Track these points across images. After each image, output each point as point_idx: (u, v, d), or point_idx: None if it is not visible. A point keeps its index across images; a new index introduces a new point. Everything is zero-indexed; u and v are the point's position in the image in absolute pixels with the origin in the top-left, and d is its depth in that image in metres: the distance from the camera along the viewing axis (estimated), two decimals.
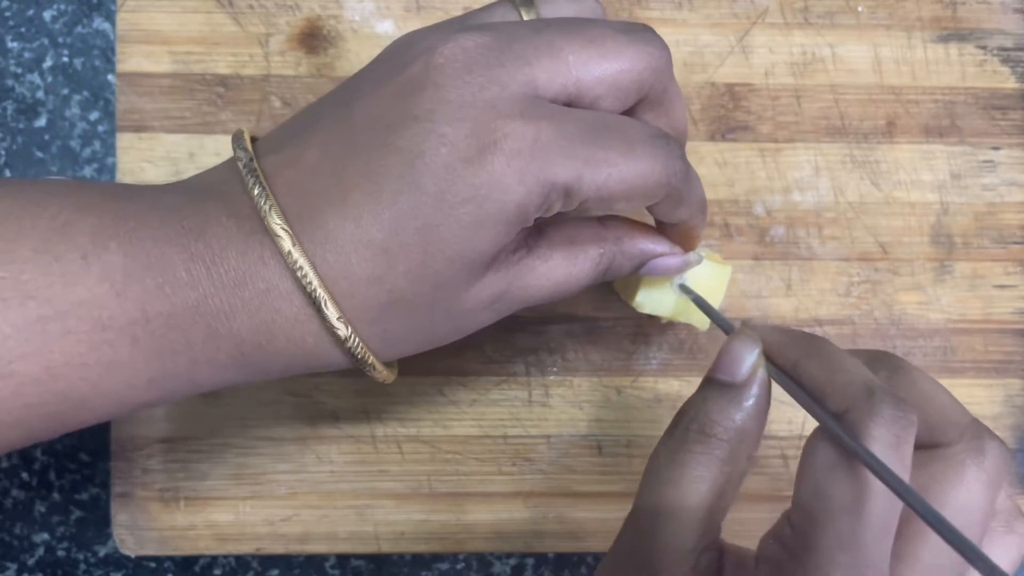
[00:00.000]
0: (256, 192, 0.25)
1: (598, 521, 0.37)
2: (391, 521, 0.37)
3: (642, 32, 0.28)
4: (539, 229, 0.28)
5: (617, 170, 0.26)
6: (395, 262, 0.25)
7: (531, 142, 0.25)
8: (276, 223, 0.25)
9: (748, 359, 0.26)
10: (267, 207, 0.25)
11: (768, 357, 0.26)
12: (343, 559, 0.38)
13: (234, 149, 0.27)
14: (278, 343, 0.26)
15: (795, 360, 0.25)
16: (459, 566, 0.38)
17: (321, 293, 0.25)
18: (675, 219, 0.29)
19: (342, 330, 0.26)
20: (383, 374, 0.28)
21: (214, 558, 0.39)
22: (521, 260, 0.27)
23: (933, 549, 0.24)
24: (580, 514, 0.37)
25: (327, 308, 0.25)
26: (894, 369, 0.26)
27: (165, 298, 0.25)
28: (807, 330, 0.37)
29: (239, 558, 0.39)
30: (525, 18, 0.28)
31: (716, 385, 0.26)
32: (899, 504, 0.23)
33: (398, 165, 0.25)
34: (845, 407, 0.24)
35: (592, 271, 0.29)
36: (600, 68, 0.26)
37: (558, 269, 0.28)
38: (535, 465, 0.37)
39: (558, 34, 0.26)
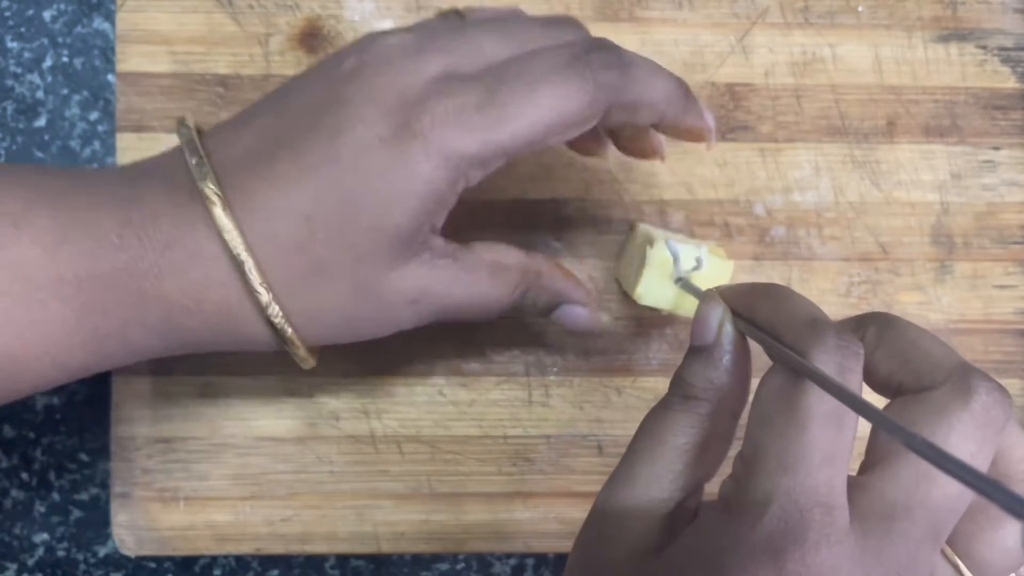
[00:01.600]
0: (194, 162, 0.27)
1: None
2: (391, 521, 0.37)
3: (559, 21, 0.30)
4: (469, 246, 0.30)
5: (524, 119, 0.27)
6: (316, 229, 0.27)
7: (438, 119, 0.27)
8: (209, 187, 0.26)
9: (714, 319, 0.27)
10: (202, 173, 0.27)
11: (735, 313, 0.27)
12: (343, 559, 0.38)
13: (178, 128, 0.28)
14: (205, 307, 0.27)
15: (750, 306, 0.27)
16: (459, 566, 0.38)
17: (245, 256, 0.26)
18: (647, 122, 0.30)
19: (263, 295, 0.27)
20: (303, 353, 0.29)
21: (214, 558, 0.39)
22: (447, 265, 0.29)
23: (891, 480, 0.23)
24: (580, 514, 0.37)
25: (251, 272, 0.27)
26: (883, 324, 0.26)
27: (95, 259, 0.26)
28: None
29: (239, 558, 0.39)
30: None
31: (691, 351, 0.27)
32: (848, 430, 0.23)
33: (320, 141, 0.27)
34: (790, 340, 0.24)
35: (510, 294, 0.30)
36: (515, 52, 0.28)
37: (480, 284, 0.30)
38: (535, 465, 0.37)
39: (477, 29, 0.29)
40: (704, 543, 0.24)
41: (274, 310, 0.27)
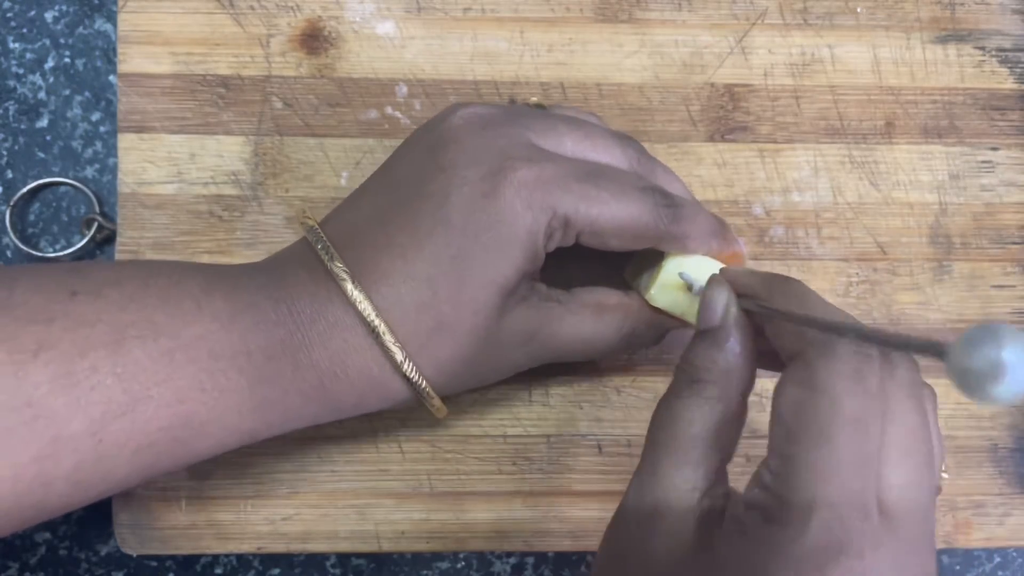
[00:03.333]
0: (319, 247, 0.30)
1: (598, 520, 0.37)
2: (392, 520, 0.37)
3: (627, 138, 0.33)
4: (572, 291, 0.33)
5: (608, 208, 0.30)
6: (437, 289, 0.29)
7: (535, 178, 0.29)
8: (338, 266, 0.30)
9: (720, 302, 0.29)
10: (330, 255, 0.30)
11: (742, 295, 0.29)
12: (344, 558, 0.38)
13: (300, 221, 0.32)
14: (350, 372, 0.30)
15: (766, 299, 0.28)
16: (459, 565, 0.39)
17: (378, 322, 0.29)
18: (691, 251, 0.33)
19: (398, 354, 0.30)
20: (438, 403, 0.31)
21: (215, 557, 0.39)
22: (552, 308, 0.32)
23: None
24: (580, 513, 0.37)
25: (384, 335, 0.29)
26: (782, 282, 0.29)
27: (260, 333, 0.29)
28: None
29: (240, 557, 0.39)
30: None
31: (698, 335, 0.29)
32: (873, 433, 0.24)
33: (430, 207, 0.30)
34: (801, 345, 0.26)
35: (616, 333, 0.33)
36: (593, 156, 0.32)
37: (585, 325, 0.32)
38: (535, 464, 0.37)
39: (560, 121, 0.32)
40: (748, 553, 0.25)
41: (409, 367, 0.30)
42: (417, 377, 0.30)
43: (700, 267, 0.32)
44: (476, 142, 0.30)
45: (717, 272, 0.32)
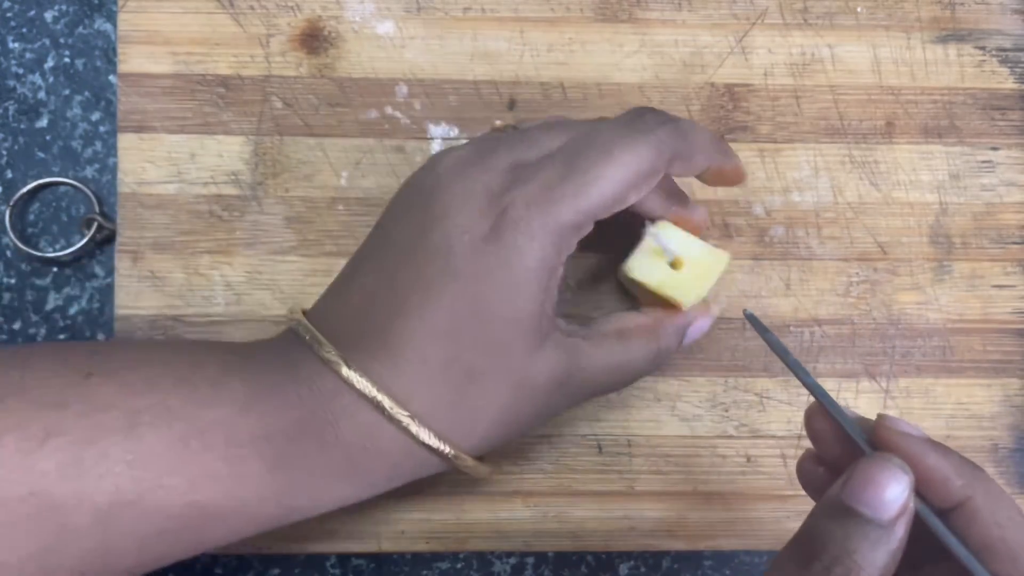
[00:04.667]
0: (307, 338, 0.29)
1: (598, 520, 0.37)
2: (392, 520, 0.37)
3: (604, 119, 0.32)
4: (590, 323, 0.32)
5: (607, 179, 0.29)
6: (460, 339, 0.28)
7: (525, 205, 0.28)
8: (327, 355, 0.29)
9: (899, 496, 0.23)
10: (319, 345, 0.29)
11: (918, 491, 0.23)
12: (344, 558, 0.38)
13: (287, 317, 0.31)
14: (381, 443, 0.29)
15: (961, 500, 0.24)
16: (459, 565, 0.38)
17: (381, 397, 0.28)
18: (697, 172, 0.31)
19: (412, 424, 0.28)
20: (470, 463, 0.30)
21: (215, 557, 0.39)
22: (576, 343, 0.30)
23: None
24: (580, 513, 0.37)
25: (392, 410, 0.28)
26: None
27: (281, 415, 0.28)
28: (804, 346, 0.37)
29: (240, 557, 0.39)
30: None
31: (859, 521, 0.23)
32: None
33: (436, 262, 0.29)
34: (1016, 574, 0.22)
35: (646, 355, 0.32)
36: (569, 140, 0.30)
37: (614, 354, 0.31)
38: (535, 464, 0.37)
39: (531, 129, 0.31)
40: None
41: (425, 434, 0.29)
42: (439, 443, 0.29)
43: (678, 238, 0.33)
44: (463, 185, 0.29)
45: (722, 258, 0.32)
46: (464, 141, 0.36)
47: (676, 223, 0.33)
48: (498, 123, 0.34)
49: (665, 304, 0.33)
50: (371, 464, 0.29)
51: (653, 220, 0.33)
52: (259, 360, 0.30)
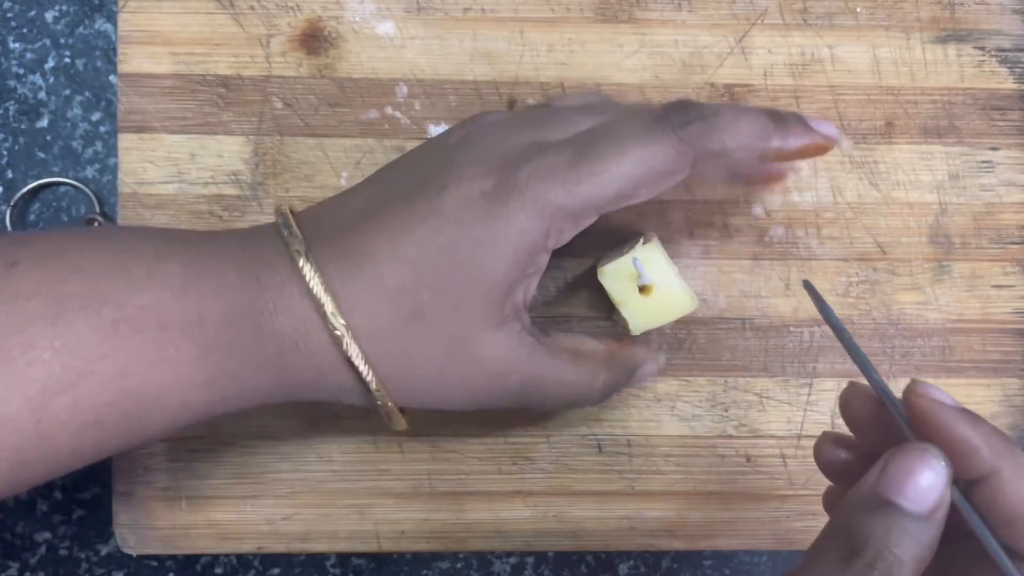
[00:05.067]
0: (280, 221, 0.29)
1: (597, 520, 0.37)
2: (392, 520, 0.37)
3: (643, 104, 0.32)
4: (547, 333, 0.32)
5: (613, 174, 0.29)
6: (421, 275, 0.29)
7: (530, 176, 0.29)
8: (295, 238, 0.29)
9: (938, 486, 0.23)
10: (288, 231, 0.29)
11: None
12: (344, 558, 0.38)
13: (276, 207, 0.31)
14: (311, 345, 0.29)
15: (987, 472, 0.23)
16: (459, 565, 0.39)
17: (325, 299, 0.28)
18: (748, 161, 0.30)
19: (345, 336, 0.28)
20: (390, 404, 0.30)
21: (215, 557, 0.39)
22: (534, 344, 0.31)
23: None
24: (580, 513, 0.37)
25: (332, 316, 0.28)
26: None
27: (218, 300, 0.28)
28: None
29: (240, 557, 0.39)
30: None
31: (899, 514, 0.23)
32: None
33: (427, 195, 0.29)
34: None
35: (593, 383, 0.32)
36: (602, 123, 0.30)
37: (565, 370, 0.31)
38: (535, 464, 0.37)
39: (568, 108, 0.32)
40: None
41: (354, 351, 0.29)
42: (364, 367, 0.29)
43: (659, 267, 0.33)
44: (484, 146, 0.30)
45: (685, 303, 0.33)
46: None
47: (775, 153, 0.31)
48: (531, 102, 0.34)
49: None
50: (299, 364, 0.29)
51: (645, 239, 0.33)
52: (202, 244, 0.29)
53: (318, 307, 0.28)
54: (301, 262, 0.28)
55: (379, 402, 0.30)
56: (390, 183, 0.31)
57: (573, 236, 0.30)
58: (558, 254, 0.37)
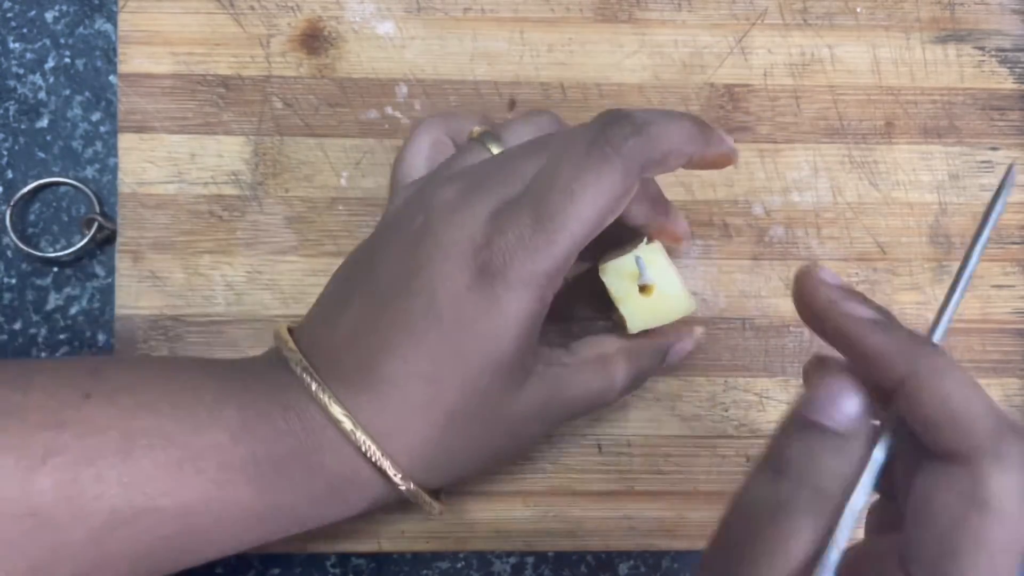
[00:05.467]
0: (305, 377, 0.30)
1: (598, 520, 0.37)
2: (392, 519, 0.37)
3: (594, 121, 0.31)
4: (570, 347, 0.33)
5: (575, 220, 0.29)
6: (441, 382, 0.29)
7: (504, 257, 0.29)
8: (321, 397, 0.29)
9: (854, 405, 0.24)
10: (313, 381, 0.30)
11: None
12: (344, 558, 0.38)
13: (278, 345, 0.31)
14: (362, 475, 0.30)
15: (901, 377, 0.23)
16: (459, 565, 0.39)
17: (362, 439, 0.29)
18: (678, 167, 0.30)
19: (389, 468, 0.30)
20: (436, 509, 0.32)
21: None
22: (559, 372, 0.31)
23: None
24: (580, 513, 0.37)
25: (370, 452, 0.29)
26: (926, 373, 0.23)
27: (270, 443, 0.29)
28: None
29: (240, 557, 0.39)
30: (494, 151, 0.33)
31: (821, 433, 0.24)
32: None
33: (420, 307, 0.29)
34: (969, 449, 0.22)
35: (625, 380, 0.33)
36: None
37: (595, 380, 0.32)
38: (535, 464, 0.37)
39: (514, 154, 0.31)
40: None
41: (399, 477, 0.30)
42: (416, 490, 0.30)
43: (660, 268, 0.33)
44: (449, 233, 0.29)
45: (684, 306, 0.33)
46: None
47: (657, 233, 0.33)
48: (476, 130, 0.34)
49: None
50: (353, 492, 0.30)
51: (649, 238, 0.33)
52: (252, 386, 0.30)
53: (358, 448, 0.29)
54: (332, 409, 0.29)
55: (434, 512, 0.32)
56: (376, 289, 0.30)
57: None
58: None
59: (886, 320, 0.24)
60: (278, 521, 0.30)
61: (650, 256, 0.33)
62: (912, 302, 0.38)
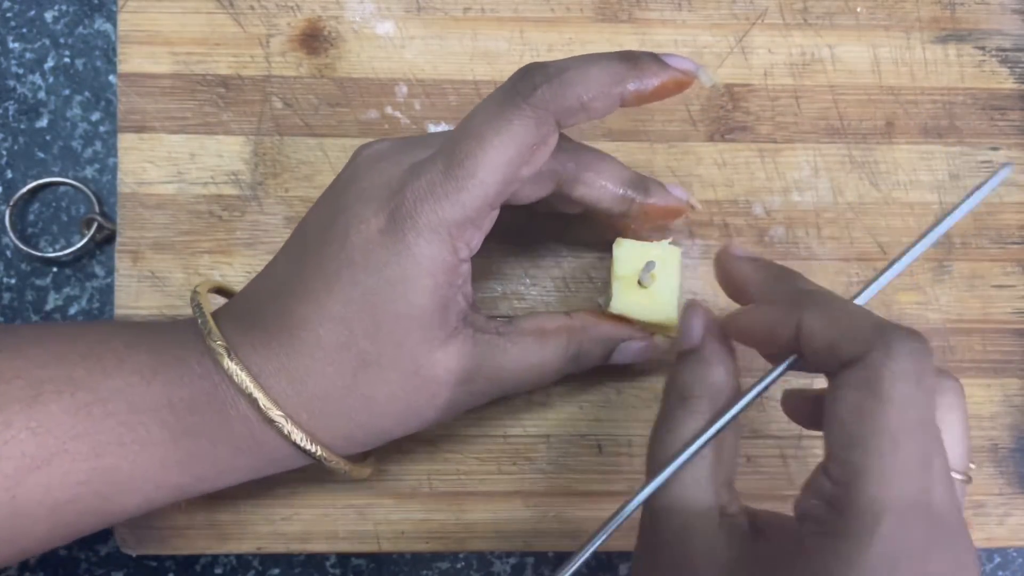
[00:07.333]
0: (200, 322, 0.30)
1: (598, 520, 0.37)
2: (391, 520, 0.37)
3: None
4: (511, 320, 0.33)
5: (485, 166, 0.28)
6: (353, 327, 0.29)
7: (414, 203, 0.29)
8: (214, 343, 0.29)
9: (697, 321, 0.30)
10: (207, 331, 0.30)
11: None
12: (343, 558, 0.38)
13: (191, 297, 0.31)
14: (268, 433, 0.30)
15: (797, 322, 0.26)
16: (459, 565, 0.38)
17: (257, 395, 0.29)
18: (604, 114, 0.30)
19: (285, 425, 0.29)
20: (343, 466, 0.31)
21: (215, 557, 0.39)
22: (492, 340, 0.31)
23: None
24: (580, 513, 0.37)
25: (268, 409, 0.29)
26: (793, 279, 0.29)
27: (184, 386, 0.29)
28: None
29: (240, 557, 0.39)
30: None
31: (682, 355, 0.30)
32: (936, 431, 0.24)
33: (335, 249, 0.29)
34: (860, 352, 0.24)
35: (563, 356, 0.33)
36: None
37: (530, 353, 0.32)
38: (535, 465, 0.37)
39: (459, 131, 0.30)
40: (814, 568, 0.24)
41: (298, 436, 0.30)
42: (310, 445, 0.30)
43: (668, 277, 0.33)
44: (371, 179, 0.30)
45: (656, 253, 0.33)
46: None
47: (644, 218, 0.33)
48: (432, 128, 0.34)
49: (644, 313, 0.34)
50: (272, 442, 0.30)
51: (636, 228, 0.33)
52: (166, 334, 0.31)
53: (252, 402, 0.29)
54: (226, 363, 0.29)
55: (331, 467, 0.31)
56: (303, 242, 0.31)
57: (484, 238, 0.30)
58: (556, 251, 0.37)
59: (780, 274, 0.30)
60: (198, 468, 0.30)
61: (666, 256, 0.33)
62: (912, 302, 0.38)
